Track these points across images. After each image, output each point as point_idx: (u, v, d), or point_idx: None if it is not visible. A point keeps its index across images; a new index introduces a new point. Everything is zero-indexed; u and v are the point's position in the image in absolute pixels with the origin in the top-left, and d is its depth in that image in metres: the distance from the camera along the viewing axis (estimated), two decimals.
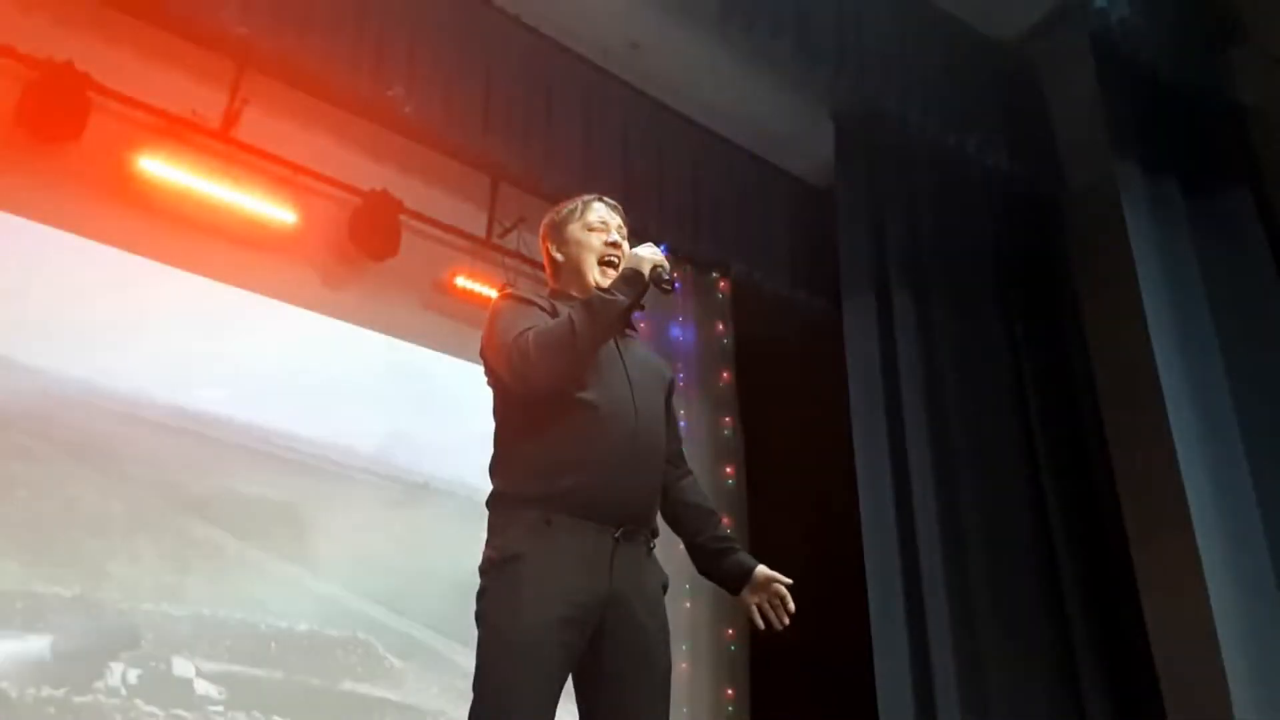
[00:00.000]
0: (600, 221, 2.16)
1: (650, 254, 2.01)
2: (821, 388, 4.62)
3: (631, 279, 1.97)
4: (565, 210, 2.21)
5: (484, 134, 4.05)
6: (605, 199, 2.23)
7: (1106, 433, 3.98)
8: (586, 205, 2.20)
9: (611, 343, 2.07)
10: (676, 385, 2.32)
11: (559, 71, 4.40)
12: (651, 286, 2.00)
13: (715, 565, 2.13)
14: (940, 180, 4.71)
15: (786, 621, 2.09)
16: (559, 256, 2.18)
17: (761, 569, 2.10)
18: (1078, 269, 4.29)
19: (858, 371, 4.50)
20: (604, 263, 2.11)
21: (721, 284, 5.69)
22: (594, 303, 1.93)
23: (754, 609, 2.08)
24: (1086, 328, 4.18)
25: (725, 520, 2.27)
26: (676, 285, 2.10)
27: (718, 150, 5.05)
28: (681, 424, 4.90)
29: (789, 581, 2.10)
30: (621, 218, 2.21)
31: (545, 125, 4.25)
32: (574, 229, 2.17)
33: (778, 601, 2.08)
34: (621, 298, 1.94)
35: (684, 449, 2.29)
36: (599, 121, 4.49)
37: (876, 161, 4.87)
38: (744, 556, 2.14)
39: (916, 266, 4.64)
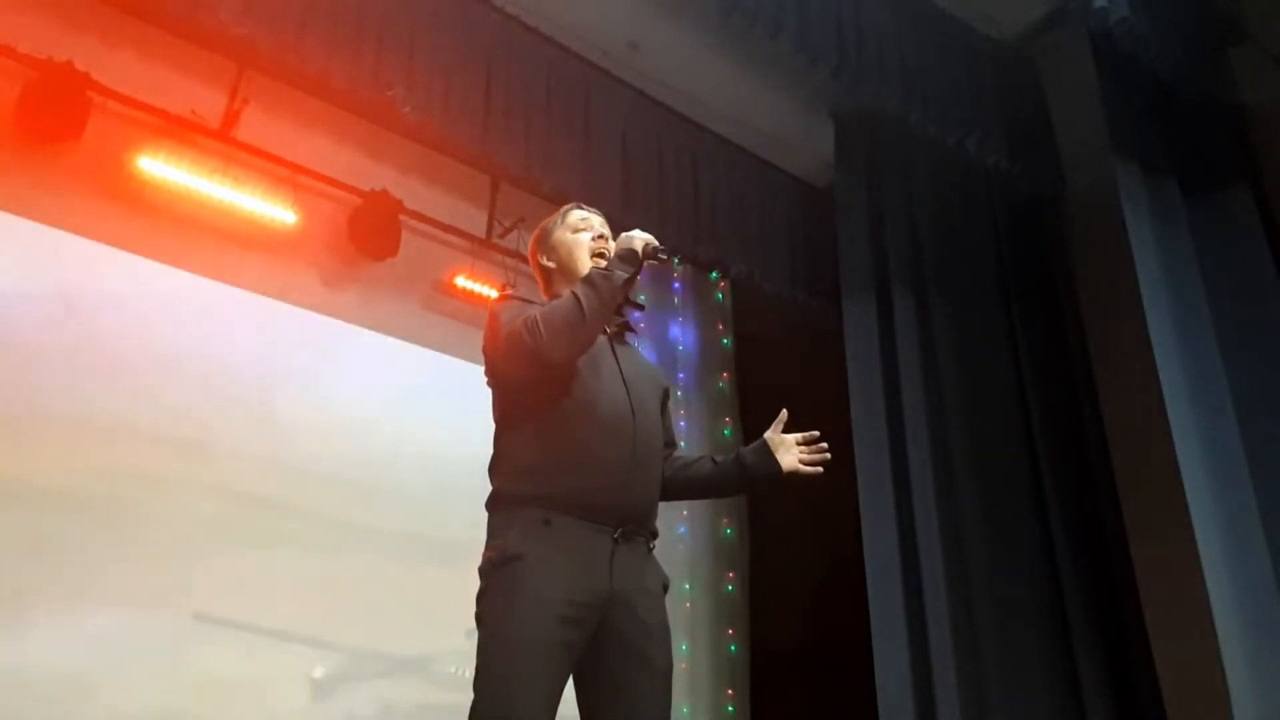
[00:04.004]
0: (582, 220, 2.24)
1: (641, 234, 2.07)
2: (821, 388, 4.62)
3: (626, 256, 2.03)
4: (548, 223, 2.29)
5: (484, 134, 4.05)
6: (582, 205, 2.30)
7: (1106, 432, 3.98)
8: (565, 213, 2.28)
9: (608, 347, 2.12)
10: (672, 392, 2.35)
11: (559, 71, 4.39)
12: (647, 261, 2.05)
13: (740, 473, 2.19)
14: (940, 180, 4.71)
15: (828, 453, 2.18)
16: (550, 264, 2.23)
17: (767, 435, 2.19)
18: (1078, 269, 4.29)
19: (858, 371, 4.50)
20: (594, 256, 2.17)
21: (721, 284, 5.70)
22: (594, 277, 1.98)
23: (800, 468, 2.16)
24: (1086, 327, 4.17)
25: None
26: (671, 258, 2.17)
27: (718, 150, 5.05)
28: (681, 424, 4.97)
29: (784, 419, 2.20)
30: (601, 219, 2.27)
31: (545, 125, 4.25)
32: (559, 234, 2.23)
33: (804, 446, 2.17)
34: (619, 272, 1.99)
35: (684, 449, 2.32)
36: (599, 121, 4.48)
37: (876, 161, 4.87)
38: (750, 447, 2.21)
39: (916, 266, 4.64)
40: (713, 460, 2.24)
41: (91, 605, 3.41)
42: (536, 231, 2.30)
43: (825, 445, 2.20)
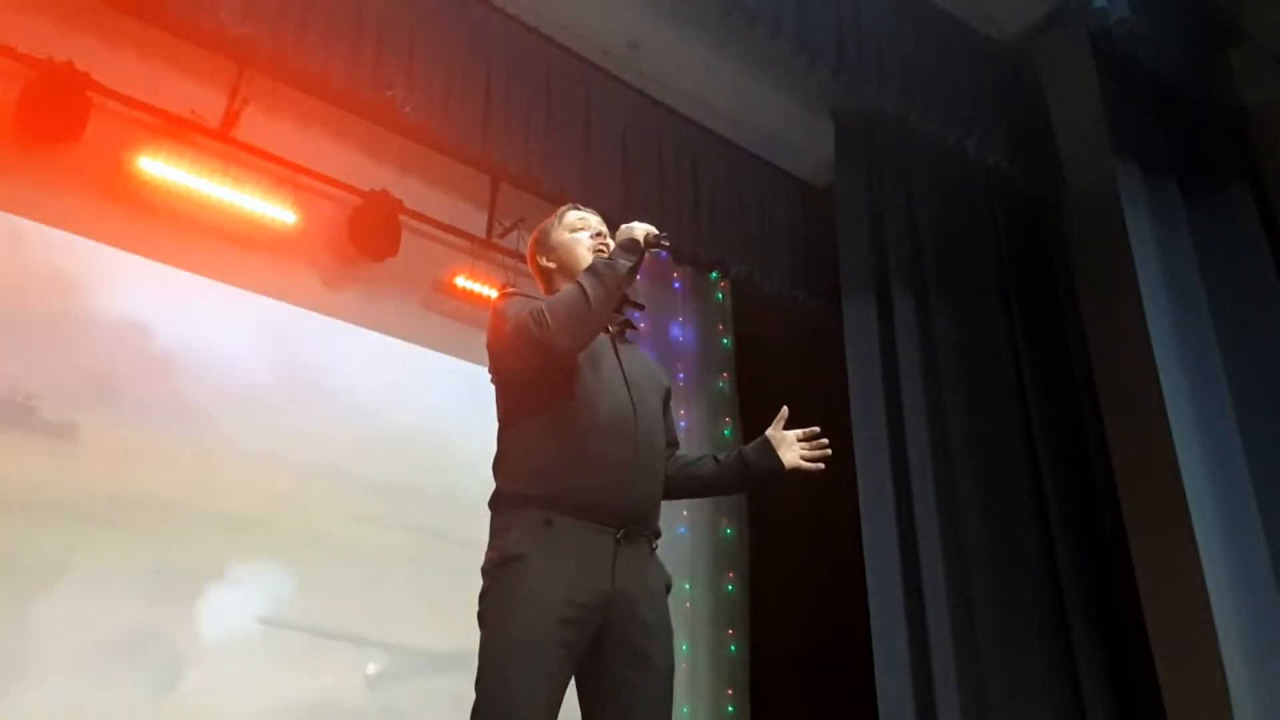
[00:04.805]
0: (579, 220, 2.24)
1: (641, 224, 2.08)
2: (821, 388, 4.61)
3: (629, 245, 2.03)
4: (546, 224, 2.30)
5: (484, 134, 4.05)
6: (578, 205, 2.31)
7: (1106, 433, 3.98)
8: (562, 214, 2.28)
9: (610, 347, 2.12)
10: (674, 393, 2.36)
11: (559, 71, 4.39)
12: (648, 252, 2.06)
13: (742, 471, 2.22)
14: (940, 180, 4.71)
15: (829, 449, 2.21)
16: (549, 264, 2.24)
17: (768, 433, 2.21)
18: (1078, 269, 4.29)
19: (858, 371, 4.50)
20: (594, 253, 2.17)
21: (721, 284, 5.70)
22: (598, 266, 1.99)
23: (801, 465, 2.18)
24: (1086, 328, 4.17)
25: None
26: (671, 247, 2.19)
27: (718, 150, 5.05)
28: (681, 424, 4.97)
29: (784, 417, 2.22)
30: (599, 218, 2.28)
31: (545, 125, 4.25)
32: (557, 234, 2.24)
33: (805, 443, 2.20)
34: (622, 262, 1.99)
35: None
36: (599, 121, 4.48)
37: (876, 161, 4.86)
38: (751, 446, 2.23)
39: (916, 266, 4.64)
40: (714, 459, 2.26)
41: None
42: (534, 234, 2.31)
43: (826, 441, 2.22)
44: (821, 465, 2.19)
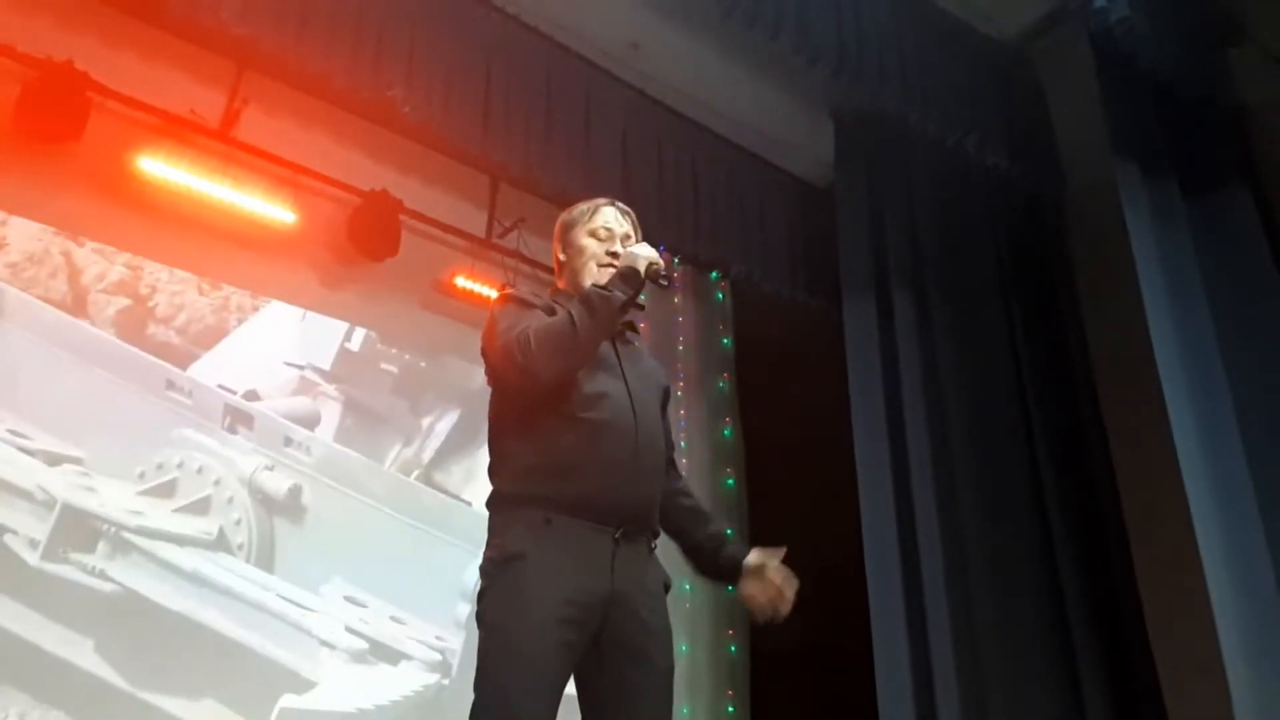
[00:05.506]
0: (605, 228, 2.16)
1: (646, 252, 2.03)
2: (821, 388, 4.62)
3: (628, 276, 1.98)
4: (576, 212, 2.22)
5: (484, 134, 4.05)
6: (617, 204, 2.22)
7: (1107, 432, 3.98)
8: (596, 210, 2.19)
9: (610, 347, 2.09)
10: (673, 393, 2.33)
11: (559, 71, 4.39)
12: (648, 283, 2.01)
13: (711, 564, 2.15)
14: (940, 180, 4.70)
15: (785, 612, 2.05)
16: (562, 257, 2.21)
17: (752, 555, 2.09)
18: (1078, 269, 4.30)
19: (858, 372, 4.50)
20: (603, 267, 2.11)
21: (721, 284, 5.69)
22: (592, 298, 1.94)
23: (751, 602, 2.06)
24: (1086, 327, 4.18)
25: (726, 526, 2.24)
26: (675, 284, 2.11)
27: (718, 150, 5.04)
28: (681, 424, 4.97)
29: (781, 553, 2.08)
30: (631, 224, 2.20)
31: (545, 125, 4.25)
32: (579, 233, 2.17)
33: (775, 592, 2.05)
34: (618, 293, 1.95)
35: (684, 450, 2.31)
36: (599, 121, 4.48)
37: (876, 161, 4.87)
38: (736, 549, 2.13)
39: (916, 266, 4.64)
40: (707, 522, 2.19)
41: None
42: (564, 215, 2.23)
43: (786, 610, 2.07)
44: (761, 620, 2.06)
